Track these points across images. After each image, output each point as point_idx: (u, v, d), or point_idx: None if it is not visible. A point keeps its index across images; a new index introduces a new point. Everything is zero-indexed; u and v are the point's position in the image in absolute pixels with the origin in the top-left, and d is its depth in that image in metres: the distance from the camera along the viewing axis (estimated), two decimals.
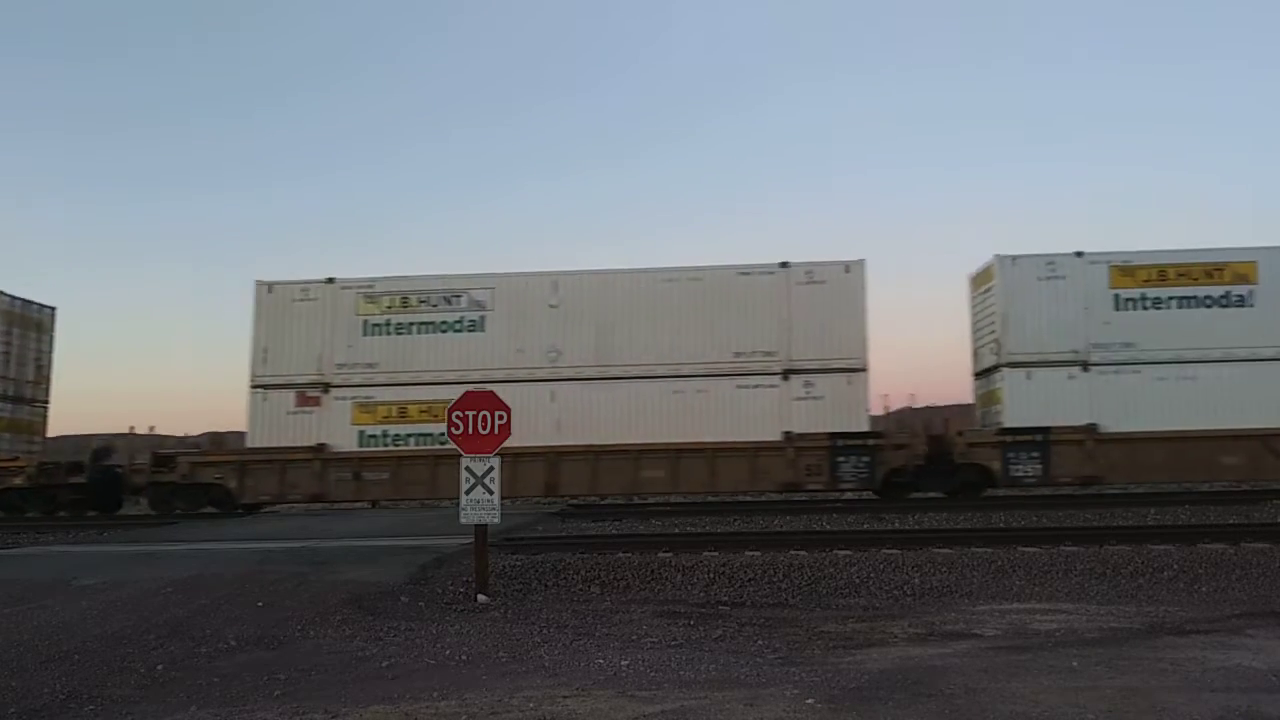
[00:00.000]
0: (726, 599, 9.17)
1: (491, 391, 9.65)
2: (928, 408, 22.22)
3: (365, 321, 19.47)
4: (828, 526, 14.75)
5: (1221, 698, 5.22)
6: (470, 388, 9.96)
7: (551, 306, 19.40)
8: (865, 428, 18.72)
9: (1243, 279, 18.59)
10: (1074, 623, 7.61)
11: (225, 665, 6.60)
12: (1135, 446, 18.05)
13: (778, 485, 18.75)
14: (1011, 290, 18.79)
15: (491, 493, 9.14)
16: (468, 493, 9.14)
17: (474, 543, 9.36)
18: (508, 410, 9.31)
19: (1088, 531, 12.50)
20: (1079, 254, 18.83)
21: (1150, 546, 10.81)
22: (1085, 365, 18.42)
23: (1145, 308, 18.58)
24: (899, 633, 7.41)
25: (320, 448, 19.10)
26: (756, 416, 18.74)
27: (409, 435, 19.10)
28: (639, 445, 18.76)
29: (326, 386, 19.32)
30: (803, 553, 11.07)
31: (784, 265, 19.16)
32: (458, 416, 9.23)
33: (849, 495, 19.19)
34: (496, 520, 9.26)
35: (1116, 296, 18.63)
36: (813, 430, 18.54)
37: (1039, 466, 18.16)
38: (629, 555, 11.12)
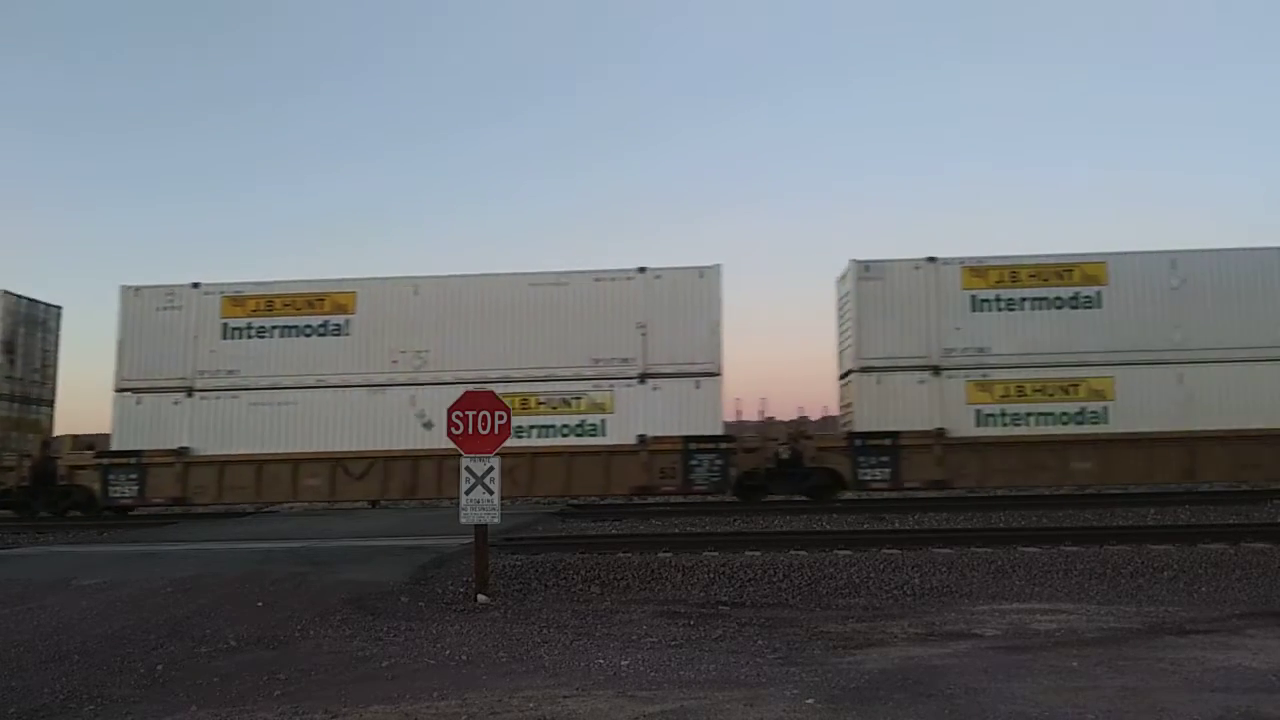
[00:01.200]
0: (726, 599, 9.17)
1: (491, 391, 9.66)
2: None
3: None
4: (828, 527, 14.75)
5: (1221, 698, 5.22)
6: None
7: None
8: None
9: (341, 309, 19.85)
10: (1074, 623, 7.61)
11: (225, 665, 6.61)
12: (224, 469, 19.26)
13: None
14: (130, 319, 19.86)
15: (491, 493, 9.14)
16: (468, 493, 9.14)
17: (474, 543, 9.36)
18: (507, 410, 9.32)
19: (1088, 531, 12.51)
20: (195, 285, 20.02)
21: (1150, 546, 10.82)
22: (190, 391, 19.65)
23: (251, 337, 19.79)
24: (899, 633, 7.41)
25: None
26: None
27: None
28: None
29: None
30: (803, 553, 11.08)
31: None
32: (457, 416, 9.24)
33: None
34: (496, 520, 9.26)
35: (225, 325, 19.80)
36: None
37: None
38: (629, 555, 11.13)
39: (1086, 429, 18.31)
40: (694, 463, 18.70)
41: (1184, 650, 6.51)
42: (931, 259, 19.04)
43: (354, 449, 19.21)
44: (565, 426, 19.12)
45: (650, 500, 20.27)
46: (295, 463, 19.23)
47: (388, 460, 19.15)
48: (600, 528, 15.31)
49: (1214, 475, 18.44)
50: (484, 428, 9.20)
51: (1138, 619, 7.74)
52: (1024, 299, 18.81)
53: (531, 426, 18.96)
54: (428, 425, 18.97)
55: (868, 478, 18.52)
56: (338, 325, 19.71)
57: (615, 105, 78.44)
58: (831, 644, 7.02)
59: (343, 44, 77.53)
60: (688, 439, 18.76)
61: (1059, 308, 18.75)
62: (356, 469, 19.18)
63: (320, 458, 19.20)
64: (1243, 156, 73.31)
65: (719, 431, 19.00)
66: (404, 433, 19.17)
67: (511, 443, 18.66)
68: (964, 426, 18.51)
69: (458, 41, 79.28)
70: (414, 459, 19.05)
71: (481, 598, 9.01)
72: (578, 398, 19.15)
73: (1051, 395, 18.45)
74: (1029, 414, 18.47)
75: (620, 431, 19.02)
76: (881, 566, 10.18)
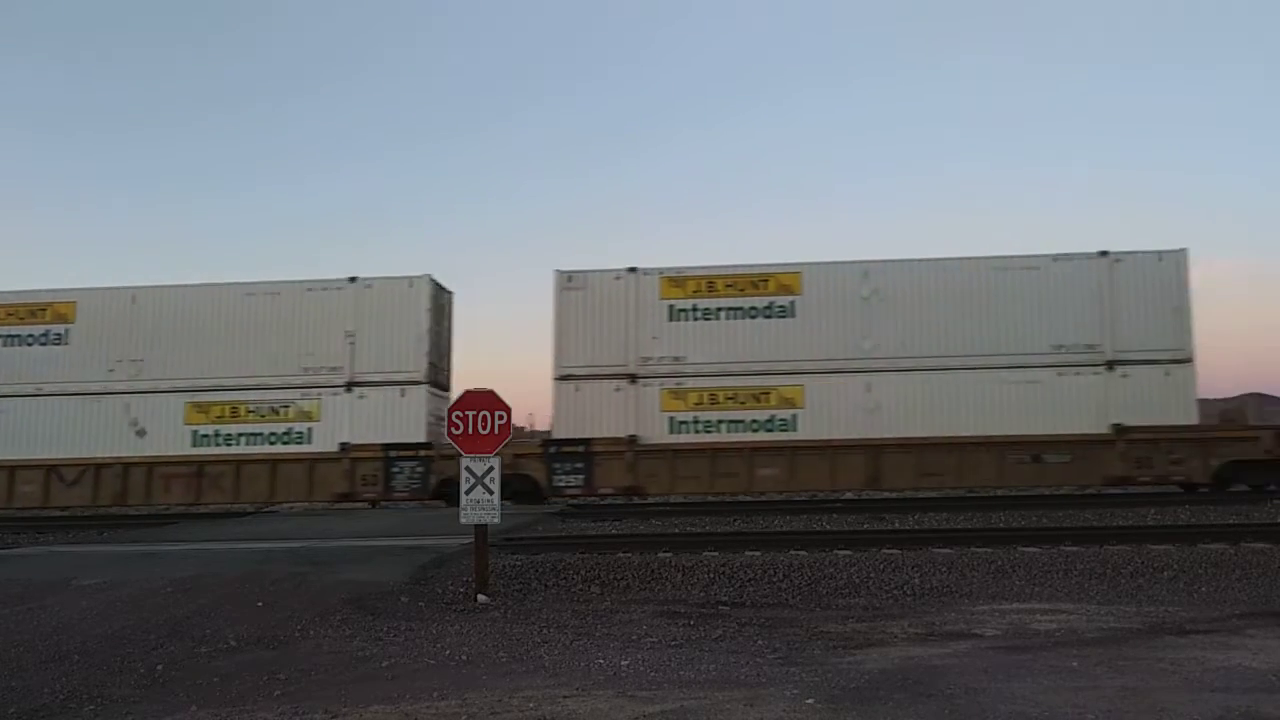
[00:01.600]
0: (726, 599, 9.17)
1: (492, 391, 9.66)
2: None
3: None
4: (828, 526, 14.76)
5: (1221, 698, 5.22)
6: None
7: None
8: None
9: (62, 319, 20.11)
10: (1074, 623, 7.61)
11: (225, 665, 6.61)
12: None
13: None
14: None
15: (491, 493, 9.15)
16: (468, 493, 9.14)
17: (474, 543, 9.37)
18: (508, 410, 9.32)
19: (1088, 531, 12.51)
20: None
21: (1150, 546, 10.82)
22: None
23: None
24: (899, 633, 7.41)
25: None
26: None
27: None
28: None
29: None
30: (803, 553, 11.08)
31: None
32: (457, 416, 9.24)
33: None
34: (496, 520, 9.26)
35: None
36: None
37: None
38: (629, 555, 11.13)
39: (775, 436, 18.59)
40: (395, 470, 19.08)
41: (1184, 650, 6.51)
42: (632, 269, 19.35)
43: (69, 456, 19.59)
44: (273, 434, 19.62)
45: (650, 500, 20.29)
46: (10, 469, 19.64)
47: (100, 467, 19.55)
48: (600, 528, 15.31)
49: (897, 483, 18.69)
50: (484, 428, 9.21)
51: (1138, 619, 7.74)
52: (720, 309, 19.08)
53: (240, 434, 19.57)
54: (141, 433, 19.53)
55: (562, 484, 18.83)
56: (58, 334, 20.14)
57: (615, 106, 78.53)
58: (831, 644, 7.02)
59: (343, 44, 77.53)
60: (388, 446, 19.15)
61: (753, 317, 19.00)
62: (70, 475, 19.65)
63: (34, 465, 19.60)
64: (1243, 156, 73.45)
65: (422, 439, 19.31)
66: (117, 440, 19.64)
67: (219, 450, 19.48)
68: (657, 434, 18.83)
69: (458, 41, 79.34)
70: (125, 466, 19.50)
71: (481, 598, 9.01)
72: (286, 406, 19.64)
73: (743, 403, 18.77)
74: (720, 421, 18.76)
75: (326, 439, 19.44)
76: (881, 566, 10.18)
